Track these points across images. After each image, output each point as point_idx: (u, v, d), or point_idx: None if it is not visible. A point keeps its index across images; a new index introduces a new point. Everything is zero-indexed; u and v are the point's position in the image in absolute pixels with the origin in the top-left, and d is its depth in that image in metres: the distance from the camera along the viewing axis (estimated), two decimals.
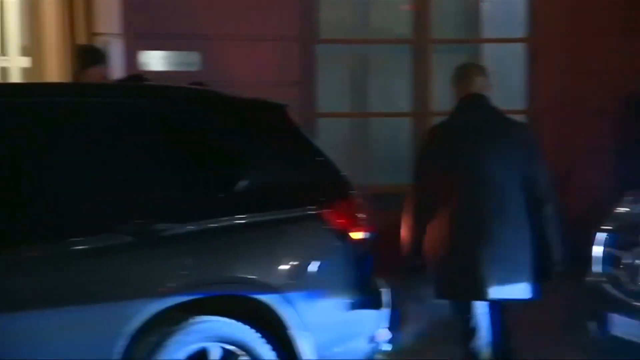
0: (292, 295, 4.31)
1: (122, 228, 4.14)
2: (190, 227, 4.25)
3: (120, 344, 4.05)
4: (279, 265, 4.37)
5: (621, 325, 4.88)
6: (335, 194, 4.54)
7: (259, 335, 4.30)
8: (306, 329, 4.34)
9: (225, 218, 4.34)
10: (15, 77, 8.53)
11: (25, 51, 8.07)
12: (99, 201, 4.22)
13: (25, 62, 8.03)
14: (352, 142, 8.30)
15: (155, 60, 7.10)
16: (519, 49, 8.29)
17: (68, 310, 4.00)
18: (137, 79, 5.92)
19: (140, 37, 7.05)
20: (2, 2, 8.78)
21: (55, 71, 7.28)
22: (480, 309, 4.81)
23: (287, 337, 4.32)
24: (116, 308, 4.05)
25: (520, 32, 8.28)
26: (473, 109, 4.91)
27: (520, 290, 4.77)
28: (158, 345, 4.12)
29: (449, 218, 4.77)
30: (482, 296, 4.76)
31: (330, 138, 7.07)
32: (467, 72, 5.00)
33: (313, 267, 4.43)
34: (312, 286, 4.37)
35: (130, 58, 6.97)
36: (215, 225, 4.31)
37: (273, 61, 7.36)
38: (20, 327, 3.94)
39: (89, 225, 4.13)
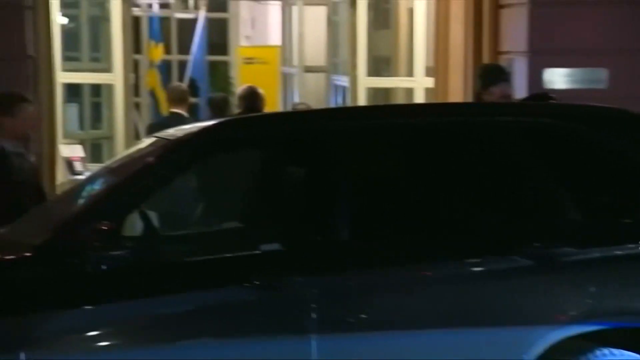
0: None
1: (522, 251, 4.03)
2: (595, 254, 4.05)
3: None
4: None
5: None
6: None
7: None
8: None
9: (633, 245, 4.09)
10: (419, 97, 8.86)
11: (430, 72, 8.31)
12: (498, 223, 4.15)
13: (429, 82, 8.28)
14: None
15: (559, 78, 6.93)
16: None
17: (466, 331, 3.96)
18: (542, 97, 5.79)
19: (545, 54, 6.91)
20: (412, 28, 9.19)
21: (457, 90, 7.38)
22: None
23: None
24: (517, 333, 3.95)
25: None
26: None
27: None
28: None
29: None
30: None
31: None
32: None
33: None
34: None
35: (534, 76, 6.85)
36: (622, 252, 4.08)
37: None
38: (415, 345, 3.93)
39: (488, 247, 4.06)
